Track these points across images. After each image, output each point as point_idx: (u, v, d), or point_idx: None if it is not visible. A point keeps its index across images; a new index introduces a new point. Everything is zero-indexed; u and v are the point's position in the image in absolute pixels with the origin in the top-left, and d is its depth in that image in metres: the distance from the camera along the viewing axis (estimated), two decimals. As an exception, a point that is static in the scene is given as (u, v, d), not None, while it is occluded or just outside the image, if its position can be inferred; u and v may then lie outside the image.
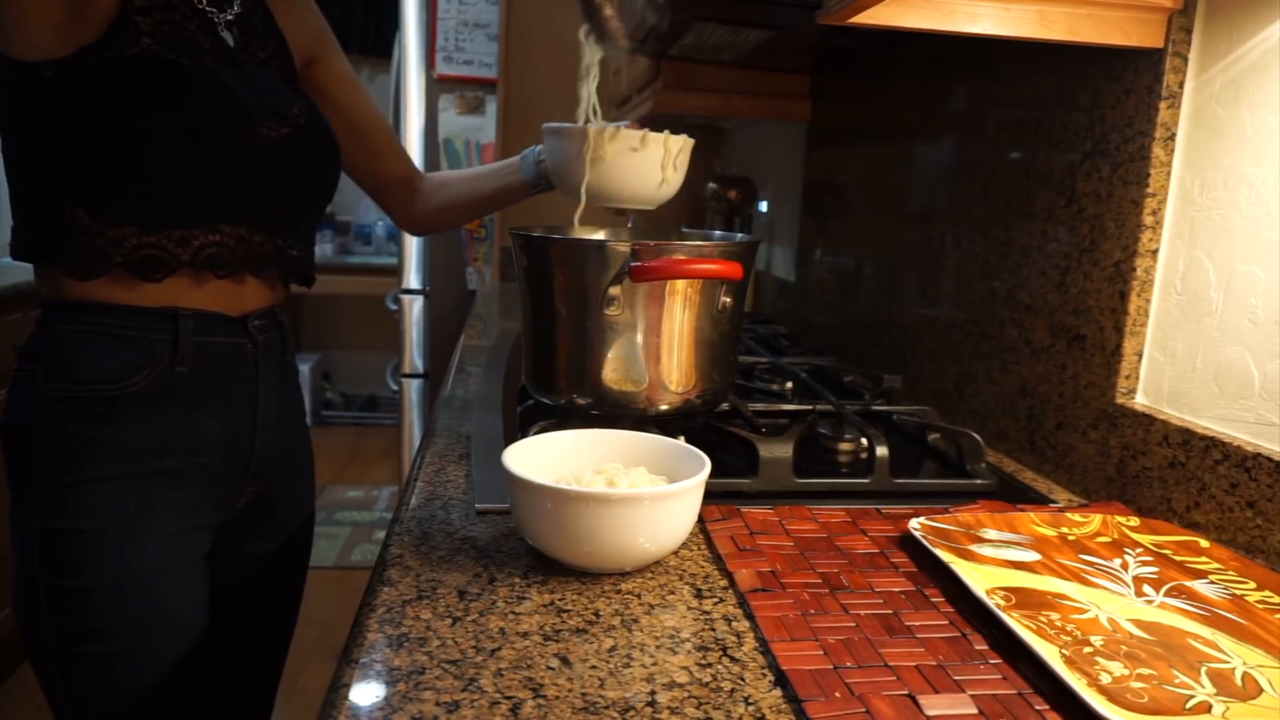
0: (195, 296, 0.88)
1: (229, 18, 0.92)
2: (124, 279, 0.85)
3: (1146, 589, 0.65)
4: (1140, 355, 0.86)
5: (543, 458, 0.73)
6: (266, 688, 1.11)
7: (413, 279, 2.16)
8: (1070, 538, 0.74)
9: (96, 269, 0.84)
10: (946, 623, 0.61)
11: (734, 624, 0.60)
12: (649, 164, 0.91)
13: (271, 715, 1.13)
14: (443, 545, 0.70)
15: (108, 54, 0.79)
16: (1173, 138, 0.82)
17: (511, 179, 1.13)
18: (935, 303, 1.20)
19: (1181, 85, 0.81)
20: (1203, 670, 0.54)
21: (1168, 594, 0.64)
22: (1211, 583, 0.66)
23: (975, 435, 0.91)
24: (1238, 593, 0.65)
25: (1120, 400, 0.86)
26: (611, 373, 0.88)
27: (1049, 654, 0.54)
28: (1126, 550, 0.72)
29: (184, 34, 0.85)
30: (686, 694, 0.51)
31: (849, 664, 0.55)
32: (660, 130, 0.95)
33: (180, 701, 0.89)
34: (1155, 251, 0.84)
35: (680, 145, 0.93)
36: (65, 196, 0.83)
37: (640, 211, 1.00)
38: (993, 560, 0.68)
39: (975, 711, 0.50)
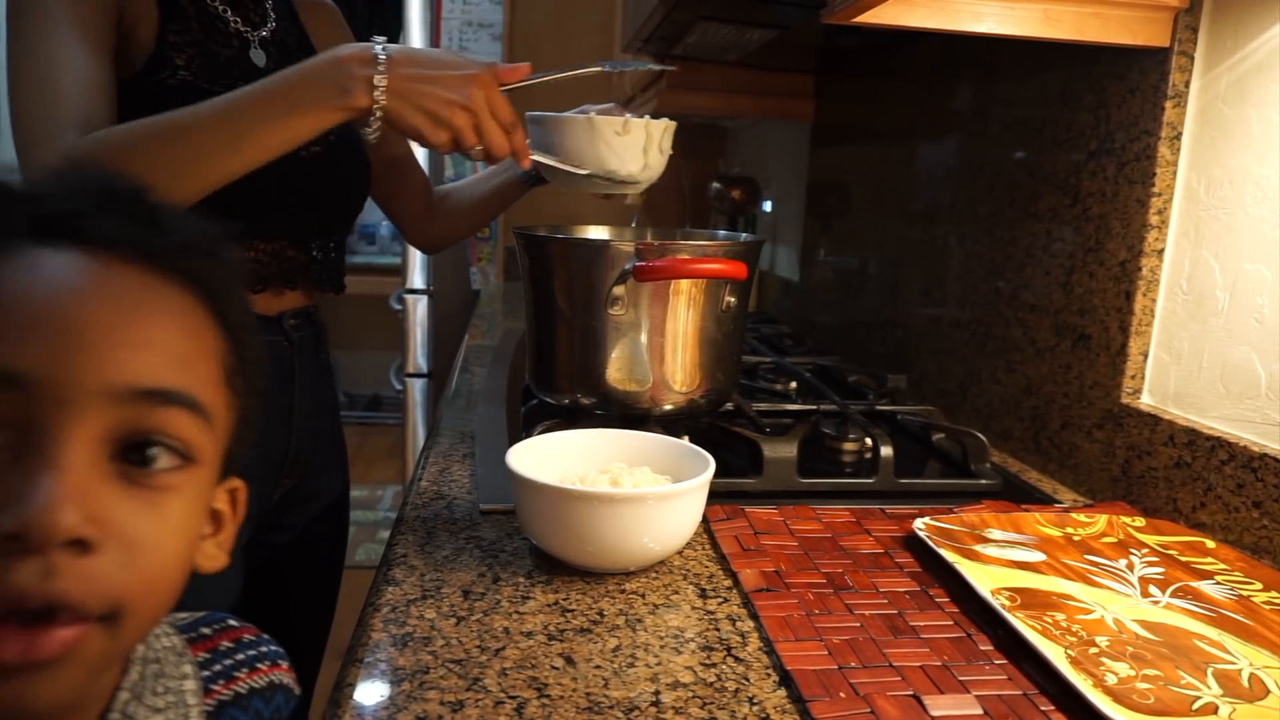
0: None
1: (264, 34, 0.94)
2: None
3: (1152, 589, 0.65)
4: (1146, 355, 0.86)
5: (546, 457, 0.73)
6: (303, 680, 1.13)
7: (417, 279, 2.16)
8: (1075, 538, 0.74)
9: None
10: (951, 623, 0.61)
11: (738, 624, 0.60)
12: (632, 148, 0.92)
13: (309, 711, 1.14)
14: (447, 545, 0.70)
15: (147, 84, 0.83)
16: (1178, 137, 0.82)
17: (505, 176, 1.14)
18: (939, 302, 1.20)
19: (1187, 84, 0.81)
20: (1209, 671, 0.54)
21: (1174, 594, 0.64)
22: (1218, 583, 0.66)
23: (980, 435, 0.91)
24: (1244, 593, 0.65)
25: (1125, 400, 0.86)
26: (615, 372, 0.88)
27: (1054, 654, 0.54)
28: (1132, 551, 0.72)
29: (217, 63, 0.88)
30: (691, 694, 0.51)
31: (853, 664, 0.55)
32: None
33: None
34: (1161, 251, 0.83)
35: (662, 129, 0.94)
36: None
37: (643, 210, 1.01)
38: (998, 560, 0.68)
39: (980, 712, 0.50)
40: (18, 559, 0.34)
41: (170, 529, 0.40)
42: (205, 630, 0.53)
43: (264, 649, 0.55)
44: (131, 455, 0.38)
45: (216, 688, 0.51)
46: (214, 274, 0.43)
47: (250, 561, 0.97)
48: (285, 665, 0.56)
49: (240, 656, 0.53)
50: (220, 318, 0.43)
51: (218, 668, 0.52)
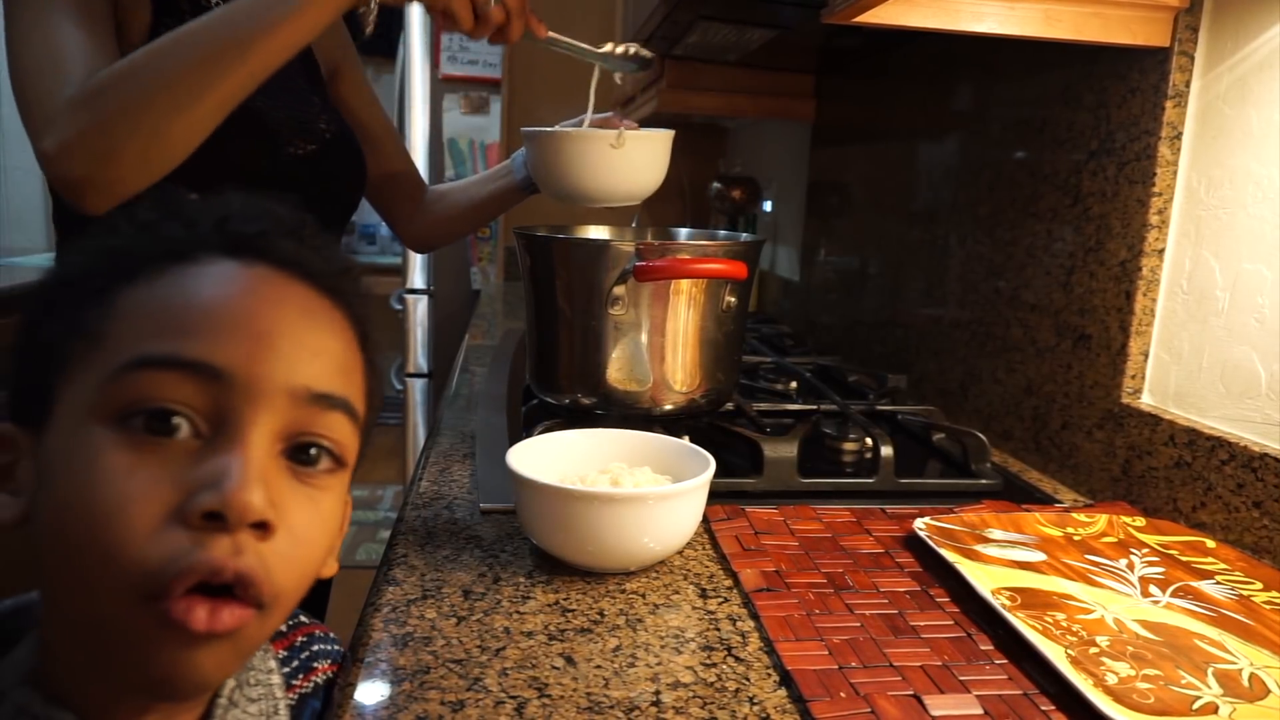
0: None
1: None
2: None
3: (1153, 589, 0.65)
4: (1146, 355, 0.86)
5: (547, 457, 0.73)
6: None
7: (417, 279, 2.16)
8: (1076, 538, 0.74)
9: None
10: (952, 623, 0.61)
11: (739, 624, 0.60)
12: (629, 162, 0.91)
13: None
14: (447, 545, 0.70)
15: None
16: (1179, 137, 0.82)
17: (504, 182, 1.13)
18: (940, 302, 1.20)
19: (1188, 84, 0.81)
20: (1209, 671, 0.54)
21: (1174, 594, 0.64)
22: (1218, 583, 0.66)
23: (980, 435, 0.91)
24: (1244, 593, 0.65)
25: (1126, 400, 0.86)
26: (616, 372, 0.88)
27: (1055, 654, 0.54)
28: (1132, 550, 0.72)
29: None
30: (691, 694, 0.51)
31: (854, 664, 0.55)
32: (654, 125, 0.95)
33: None
34: (1161, 251, 0.83)
35: (660, 140, 0.92)
36: (100, 216, 0.86)
37: (643, 210, 1.00)
38: (998, 560, 0.68)
39: (981, 712, 0.50)
40: (213, 535, 0.38)
41: (323, 526, 0.43)
42: (281, 627, 0.54)
43: (333, 646, 0.58)
44: (298, 454, 0.42)
45: (296, 682, 0.53)
46: (360, 301, 0.47)
47: None
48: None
49: (316, 649, 0.56)
50: (361, 340, 0.47)
51: (295, 663, 0.54)
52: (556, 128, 0.96)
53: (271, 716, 0.49)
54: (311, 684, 0.54)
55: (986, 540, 0.71)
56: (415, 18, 2.08)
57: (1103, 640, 0.56)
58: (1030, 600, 0.61)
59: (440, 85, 3.73)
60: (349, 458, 0.45)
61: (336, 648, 0.58)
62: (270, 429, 0.40)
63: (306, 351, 0.42)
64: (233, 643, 0.39)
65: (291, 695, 0.52)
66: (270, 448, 0.40)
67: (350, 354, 0.45)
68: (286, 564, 0.40)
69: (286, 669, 0.53)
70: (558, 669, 0.53)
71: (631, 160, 0.90)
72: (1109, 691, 0.50)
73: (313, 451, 0.42)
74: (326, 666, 0.56)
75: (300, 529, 0.41)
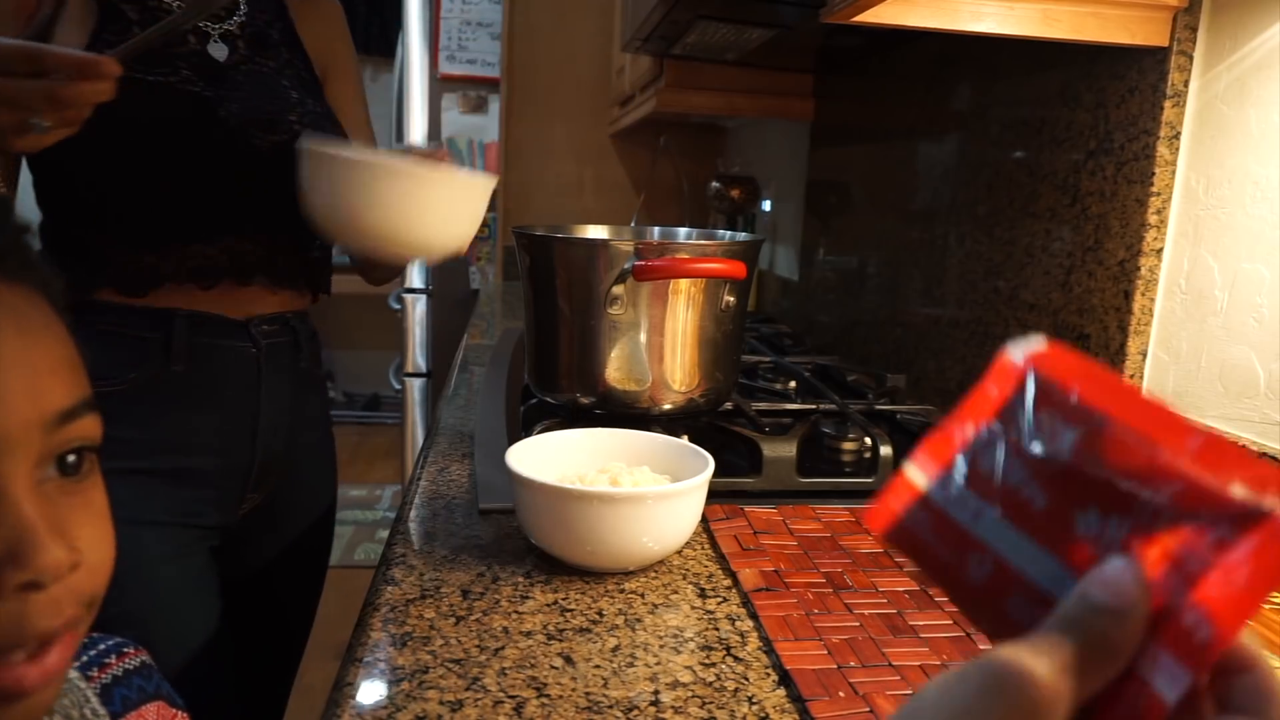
0: (196, 300, 0.89)
1: (227, 28, 0.92)
2: (118, 291, 0.87)
3: (1151, 589, 0.65)
4: (1145, 355, 0.86)
5: (546, 457, 0.73)
6: (277, 691, 1.11)
7: (415, 278, 2.16)
8: (1074, 537, 0.74)
9: (92, 283, 0.86)
10: (950, 622, 0.61)
11: (737, 623, 0.60)
12: (439, 207, 0.78)
13: (284, 716, 1.13)
14: (446, 544, 0.70)
15: None
16: (1177, 136, 0.82)
17: None
18: (939, 302, 1.20)
19: (1186, 84, 0.81)
20: (1208, 670, 0.54)
21: (1172, 594, 0.64)
22: (1216, 582, 0.66)
23: (979, 434, 0.91)
24: (1243, 593, 0.64)
25: (1124, 399, 0.85)
26: (615, 372, 0.88)
27: (1053, 654, 0.54)
28: (1131, 550, 0.72)
29: (158, 51, 0.85)
30: (690, 693, 0.51)
31: (853, 663, 0.55)
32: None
33: (188, 699, 0.89)
34: (1160, 250, 0.83)
35: (480, 185, 0.80)
36: (57, 216, 0.86)
37: (642, 210, 1.00)
38: (997, 560, 0.68)
39: (979, 711, 0.50)
40: (28, 598, 0.36)
41: (104, 516, 0.42)
42: None
43: (114, 640, 0.57)
44: (61, 469, 0.39)
45: (93, 674, 0.53)
46: (40, 263, 0.41)
47: (232, 574, 0.96)
48: (145, 650, 0.58)
49: (101, 647, 0.56)
50: (54, 307, 0.41)
51: (84, 659, 0.54)
52: (352, 153, 0.81)
53: (84, 705, 0.49)
54: (110, 675, 0.54)
55: (985, 540, 0.71)
56: (414, 18, 2.08)
57: (1101, 640, 0.56)
58: (1029, 600, 0.61)
59: (439, 84, 3.73)
60: (98, 438, 0.42)
61: (119, 639, 0.57)
62: (28, 467, 0.37)
63: (41, 374, 0.38)
64: (67, 660, 0.39)
65: (93, 684, 0.52)
66: (33, 483, 0.38)
67: (67, 341, 0.40)
68: (94, 576, 0.40)
69: (77, 663, 0.53)
70: (556, 669, 0.53)
71: (441, 204, 0.78)
72: (1107, 691, 0.50)
73: (71, 459, 0.40)
74: (120, 658, 0.56)
75: (93, 539, 0.40)
